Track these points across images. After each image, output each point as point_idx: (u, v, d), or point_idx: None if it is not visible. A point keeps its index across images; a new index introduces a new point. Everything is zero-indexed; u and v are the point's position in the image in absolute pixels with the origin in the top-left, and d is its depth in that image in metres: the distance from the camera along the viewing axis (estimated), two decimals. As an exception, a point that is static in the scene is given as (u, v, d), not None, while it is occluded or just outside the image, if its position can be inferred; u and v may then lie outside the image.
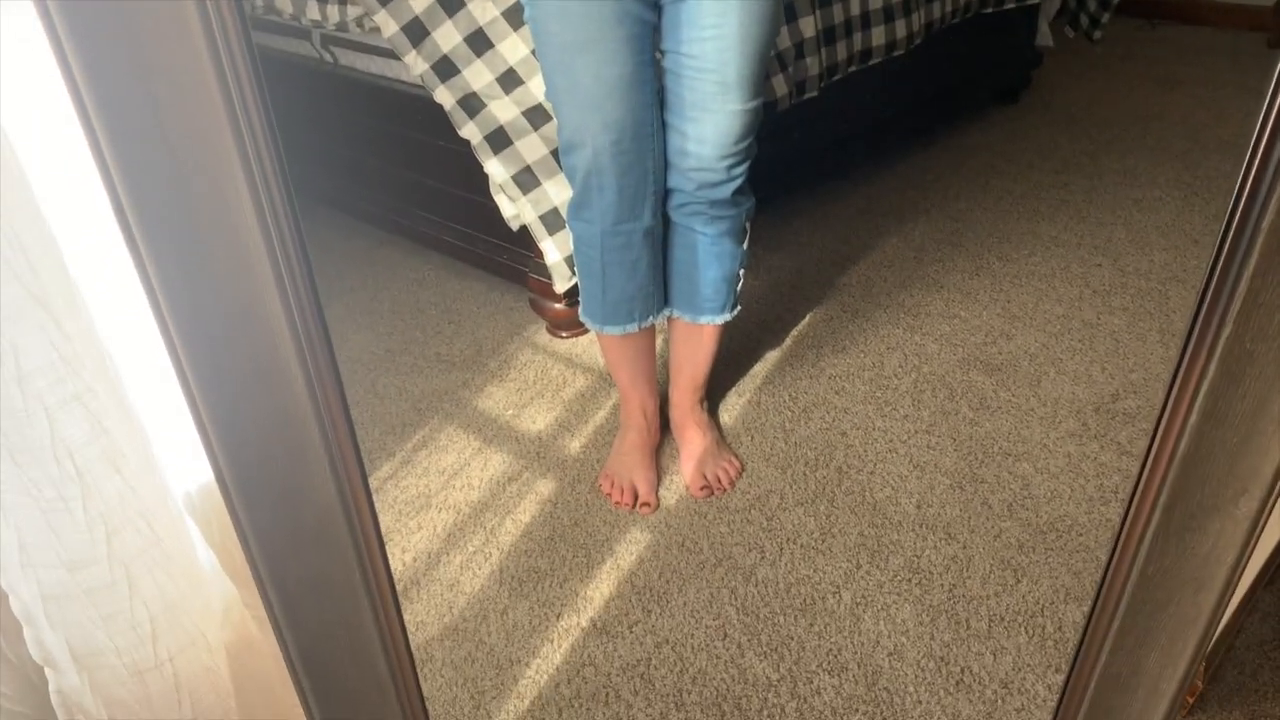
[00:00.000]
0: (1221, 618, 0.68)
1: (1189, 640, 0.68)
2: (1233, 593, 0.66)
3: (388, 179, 2.02)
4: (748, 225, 1.34)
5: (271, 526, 0.60)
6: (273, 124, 0.49)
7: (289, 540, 0.61)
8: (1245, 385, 0.56)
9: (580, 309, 1.39)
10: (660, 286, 1.37)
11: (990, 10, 2.29)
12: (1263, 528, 0.62)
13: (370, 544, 0.61)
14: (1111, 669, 0.70)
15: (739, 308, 1.40)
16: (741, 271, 1.37)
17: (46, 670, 0.74)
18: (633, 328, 1.36)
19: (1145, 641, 0.69)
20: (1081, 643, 0.70)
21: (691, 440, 1.45)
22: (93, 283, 0.64)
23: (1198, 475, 0.59)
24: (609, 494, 1.40)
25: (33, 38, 0.54)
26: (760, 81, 1.18)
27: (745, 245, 1.35)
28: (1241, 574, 0.64)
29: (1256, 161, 0.52)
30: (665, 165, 1.24)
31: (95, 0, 0.43)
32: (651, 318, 1.37)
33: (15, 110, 0.55)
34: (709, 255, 1.32)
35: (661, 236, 1.32)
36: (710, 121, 1.18)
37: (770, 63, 1.75)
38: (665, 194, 1.28)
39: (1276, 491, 0.61)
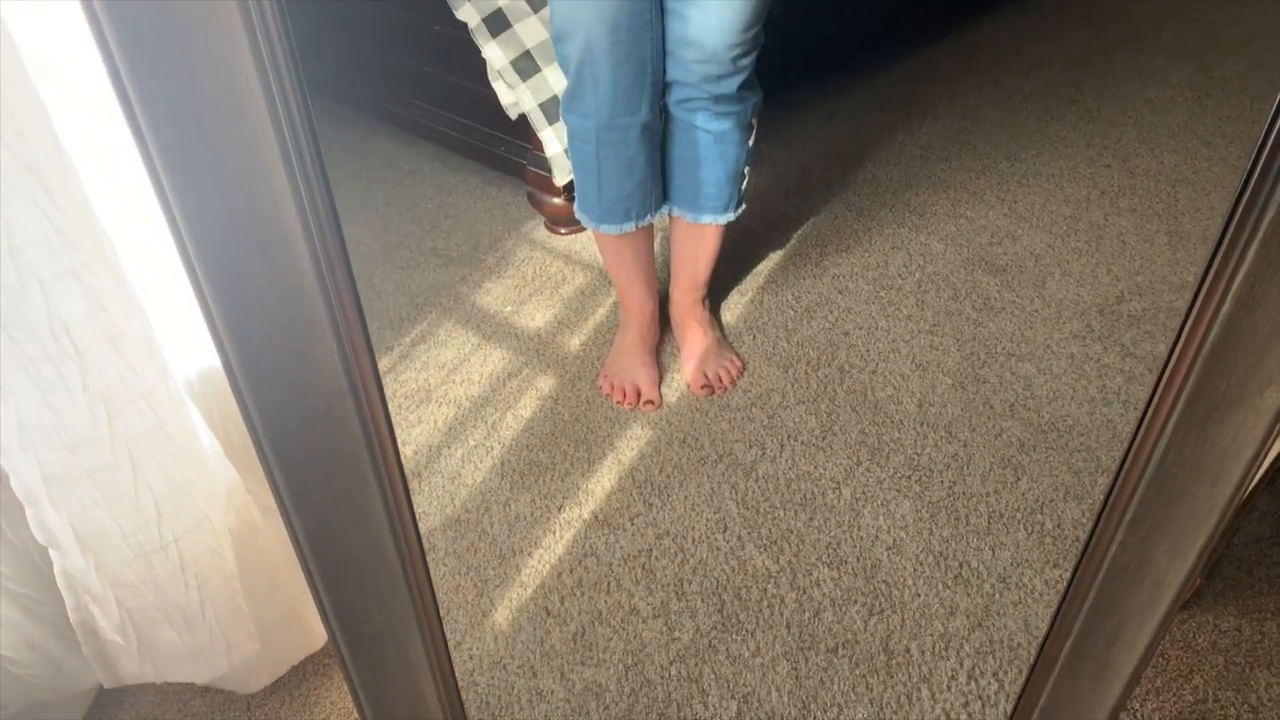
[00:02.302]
0: (1232, 513, 0.68)
1: (1200, 533, 0.68)
2: (1248, 488, 0.65)
3: (381, 66, 1.95)
4: (754, 121, 1.29)
5: (278, 406, 0.59)
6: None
7: (295, 420, 0.60)
8: (1283, 272, 0.54)
9: (575, 205, 1.35)
10: (659, 183, 1.32)
11: (1008, -103, 2.20)
12: (1284, 421, 0.62)
13: (378, 423, 0.60)
14: (1120, 560, 0.70)
15: (744, 206, 1.36)
16: (747, 170, 1.33)
17: (51, 552, 0.74)
18: (630, 227, 1.32)
19: (1156, 533, 0.68)
20: (1092, 532, 0.70)
21: (692, 339, 1.43)
22: (87, 160, 0.62)
23: (1224, 365, 0.58)
24: (609, 395, 1.38)
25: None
26: None
27: (751, 142, 1.31)
28: (1260, 468, 0.64)
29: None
30: (665, 56, 1.18)
31: None
32: (650, 216, 1.34)
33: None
34: (712, 153, 1.28)
35: (661, 132, 1.28)
36: (715, 7, 1.11)
37: (780, -53, 1.68)
38: (665, 87, 1.22)
39: (1300, 385, 0.60)
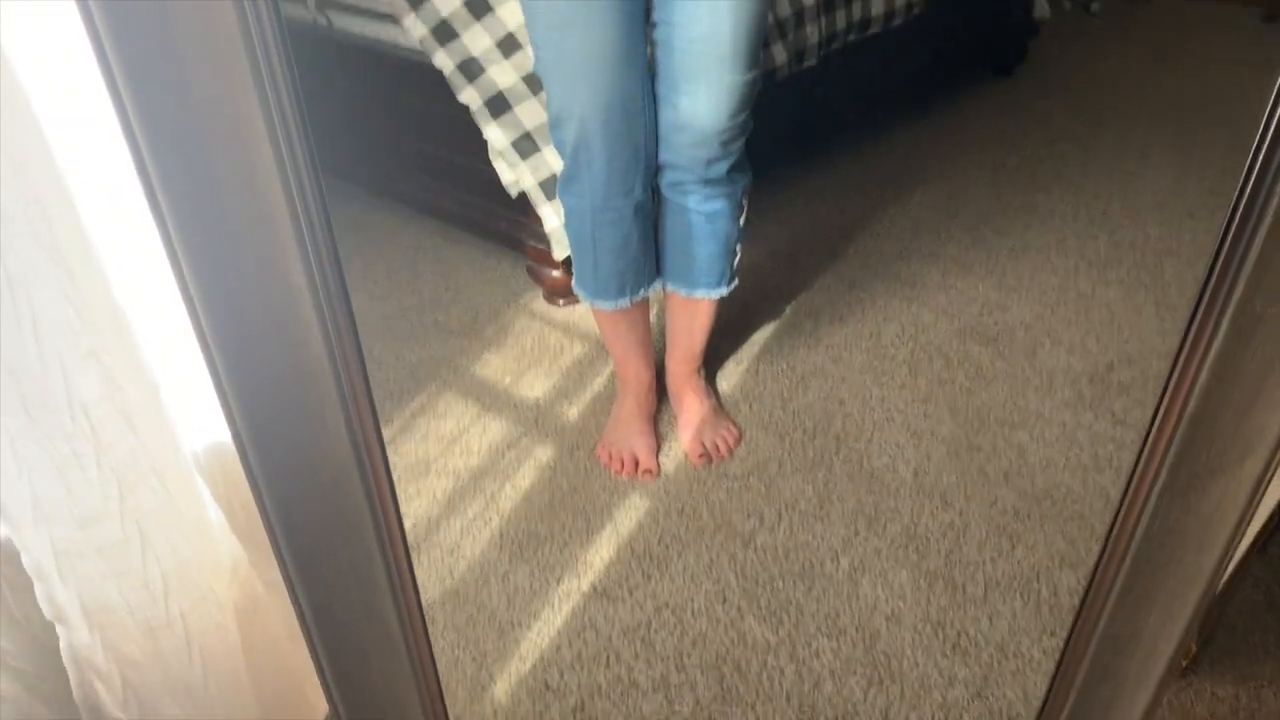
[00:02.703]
0: (1221, 579, 0.69)
1: (1189, 600, 0.69)
2: (1233, 554, 0.67)
3: (384, 145, 2.01)
4: (744, 202, 1.32)
5: (286, 479, 0.60)
6: (295, 75, 0.49)
7: (303, 493, 0.61)
8: (1254, 347, 0.56)
9: (573, 280, 1.38)
10: (653, 259, 1.36)
11: (989, -19, 2.29)
12: (1265, 489, 0.63)
13: (383, 496, 0.62)
14: (1112, 629, 0.71)
15: (737, 281, 1.39)
16: (739, 246, 1.36)
17: (58, 627, 0.75)
18: (625, 302, 1.35)
19: (1146, 601, 0.70)
20: (1083, 602, 0.71)
21: (689, 408, 1.45)
22: (105, 238, 0.64)
23: (1204, 435, 0.60)
24: (608, 465, 1.40)
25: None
26: (757, 53, 1.16)
27: (742, 221, 1.34)
28: (1243, 535, 0.65)
29: (1273, 126, 0.52)
30: (656, 139, 1.23)
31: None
32: (644, 290, 1.37)
33: (31, 61, 0.54)
34: (704, 231, 1.31)
35: (654, 211, 1.31)
36: (704, 94, 1.15)
37: (770, 30, 1.74)
38: (657, 169, 1.26)
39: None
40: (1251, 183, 0.53)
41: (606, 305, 1.35)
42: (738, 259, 1.37)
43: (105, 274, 0.61)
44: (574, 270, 1.37)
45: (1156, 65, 2.79)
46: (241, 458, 0.60)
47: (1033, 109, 2.53)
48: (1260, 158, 0.52)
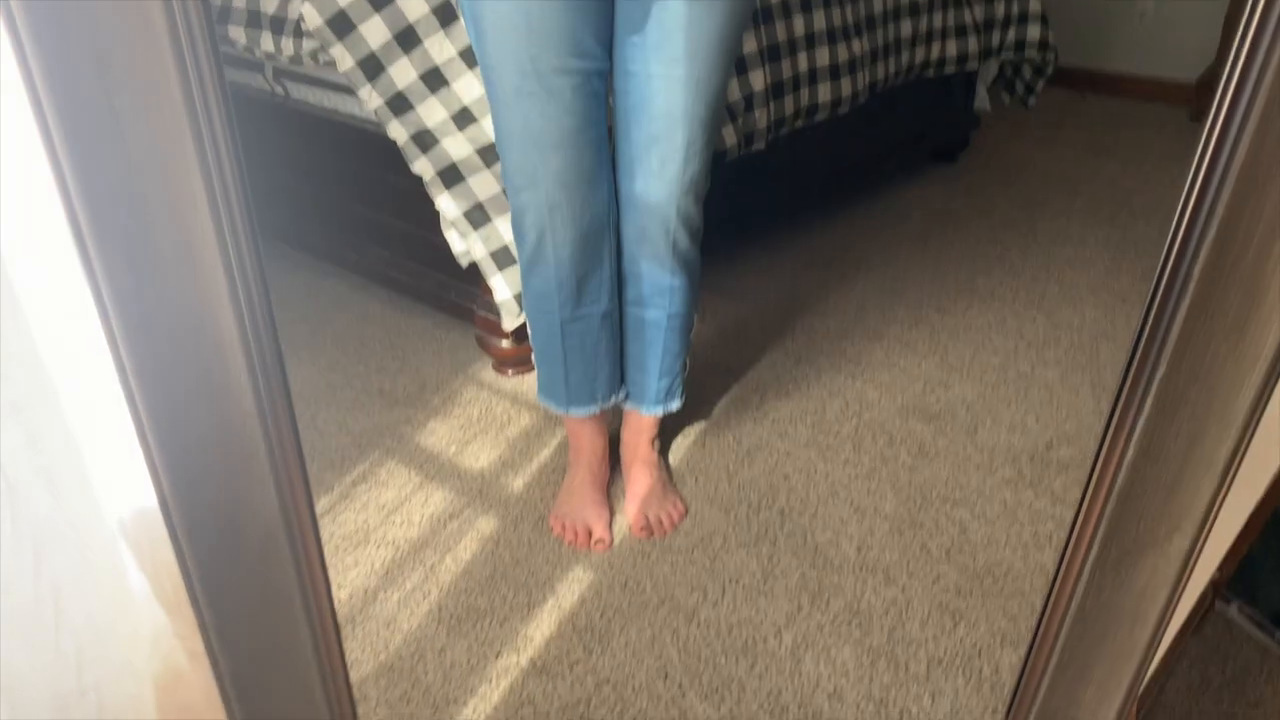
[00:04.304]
0: (1155, 655, 0.69)
1: (1124, 675, 0.69)
2: (1165, 629, 0.67)
3: (336, 213, 2.01)
4: (696, 318, 1.40)
5: (211, 547, 0.59)
6: (236, 138, 0.49)
7: (229, 561, 0.59)
8: (1178, 424, 0.58)
9: (539, 392, 1.40)
10: (618, 368, 1.41)
11: (931, 74, 2.38)
12: (1194, 566, 0.64)
13: (311, 564, 0.60)
14: (1049, 705, 0.71)
15: (684, 397, 1.46)
16: (688, 361, 1.44)
17: (-40, 699, 0.71)
18: (594, 409, 1.40)
19: (1082, 676, 0.70)
20: (1021, 678, 0.71)
21: (638, 480, 1.44)
22: (29, 289, 0.63)
23: (1132, 511, 0.61)
24: (560, 534, 1.38)
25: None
26: (713, 135, 1.20)
27: (692, 336, 1.42)
28: (1174, 611, 0.66)
29: (1188, 214, 0.54)
30: (620, 243, 1.28)
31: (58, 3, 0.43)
32: (614, 398, 1.41)
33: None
34: (656, 345, 1.38)
35: (619, 321, 1.36)
36: (658, 174, 1.19)
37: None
38: (620, 284, 1.31)
39: (1206, 531, 0.63)
40: (1170, 266, 0.56)
41: (580, 412, 1.39)
42: (685, 373, 1.44)
43: (29, 326, 0.59)
44: (540, 383, 1.40)
45: (1092, 157, 2.91)
46: (166, 520, 0.58)
47: (974, 195, 2.62)
48: (1177, 243, 0.54)
